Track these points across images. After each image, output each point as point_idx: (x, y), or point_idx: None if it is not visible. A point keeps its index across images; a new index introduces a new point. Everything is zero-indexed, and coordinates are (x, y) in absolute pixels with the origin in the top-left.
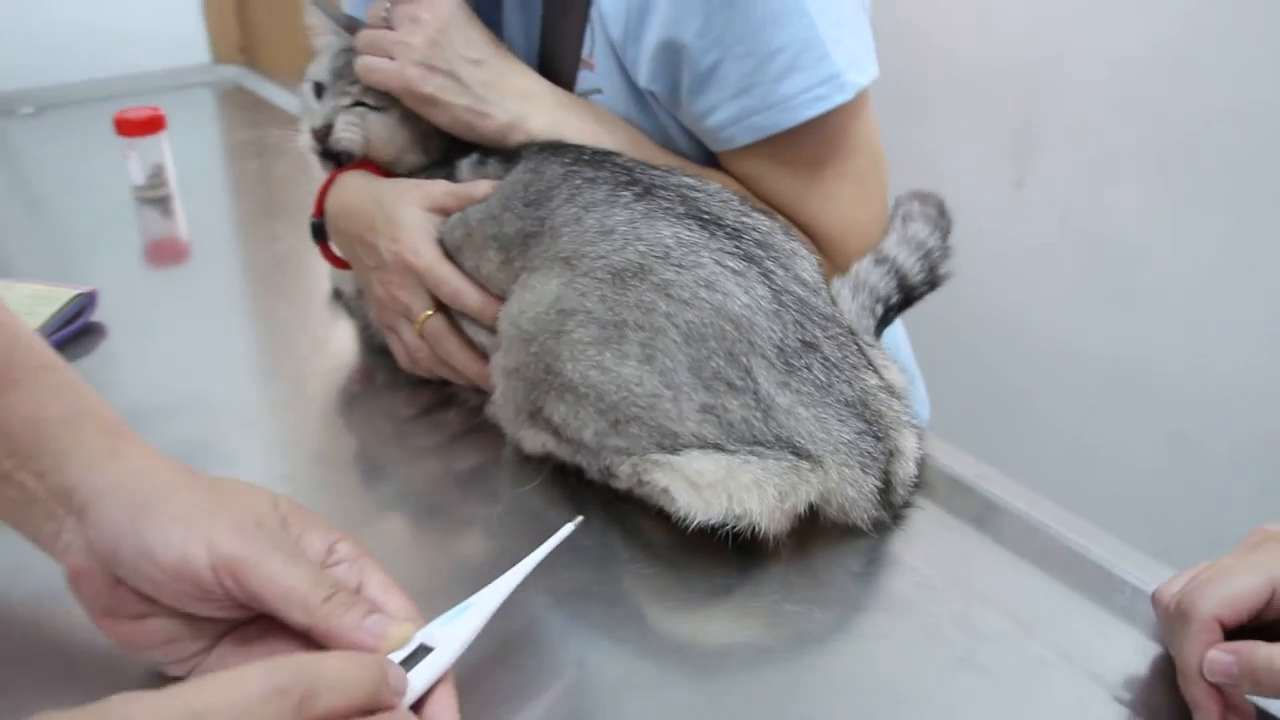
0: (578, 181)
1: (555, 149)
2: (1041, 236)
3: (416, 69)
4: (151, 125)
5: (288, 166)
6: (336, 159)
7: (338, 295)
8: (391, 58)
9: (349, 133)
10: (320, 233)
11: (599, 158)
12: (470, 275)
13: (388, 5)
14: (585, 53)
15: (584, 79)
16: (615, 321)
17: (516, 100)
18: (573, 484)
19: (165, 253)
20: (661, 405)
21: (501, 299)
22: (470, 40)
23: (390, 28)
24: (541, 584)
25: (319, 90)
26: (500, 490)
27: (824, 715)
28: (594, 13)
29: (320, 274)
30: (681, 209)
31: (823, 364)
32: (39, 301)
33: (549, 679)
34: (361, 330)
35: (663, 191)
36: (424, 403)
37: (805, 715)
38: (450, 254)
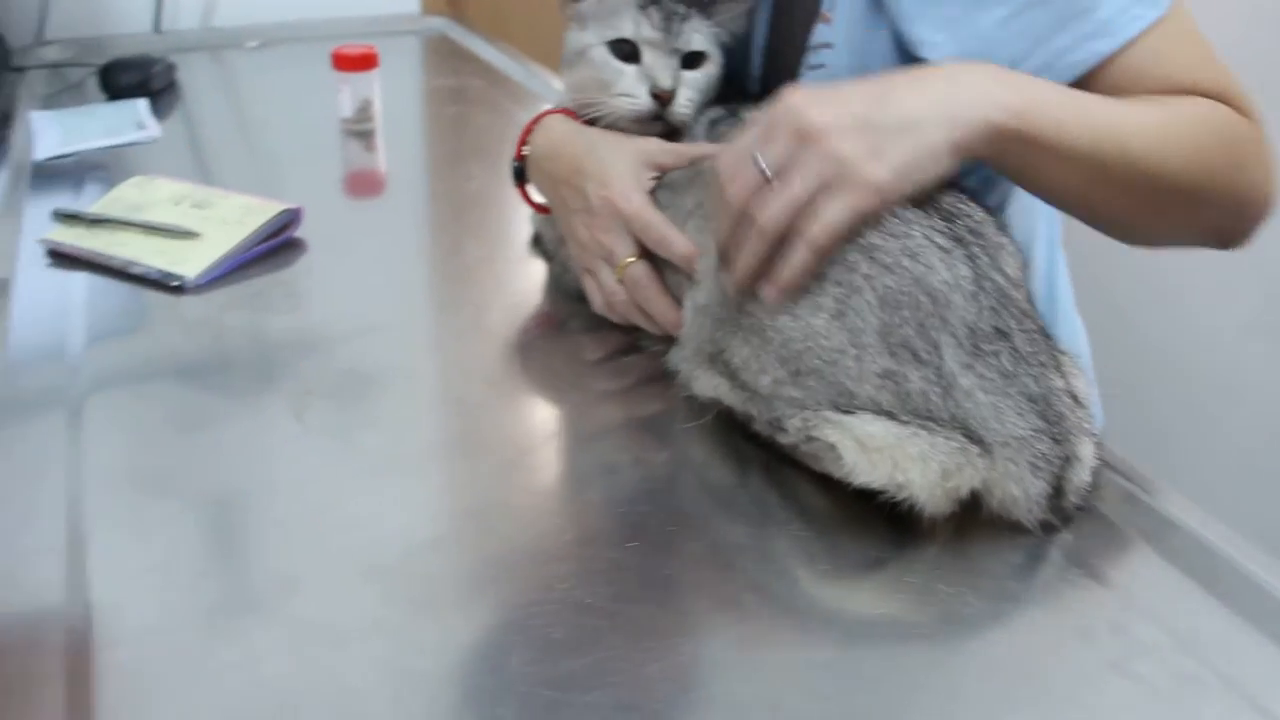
0: None
1: None
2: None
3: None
4: (365, 62)
5: (486, 114)
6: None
7: (537, 241)
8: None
9: (688, 108)
10: (520, 176)
11: None
12: (678, 221)
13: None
14: (825, 6)
15: (819, 32)
16: (816, 273)
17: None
18: (737, 439)
19: (364, 183)
20: (844, 362)
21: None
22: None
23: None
24: (698, 533)
25: (622, 48)
26: (669, 439)
27: (964, 696)
28: None
29: (509, 217)
30: None
31: (1011, 354)
32: (249, 212)
33: (693, 623)
34: (557, 276)
35: None
36: (609, 348)
37: (945, 693)
38: (660, 200)
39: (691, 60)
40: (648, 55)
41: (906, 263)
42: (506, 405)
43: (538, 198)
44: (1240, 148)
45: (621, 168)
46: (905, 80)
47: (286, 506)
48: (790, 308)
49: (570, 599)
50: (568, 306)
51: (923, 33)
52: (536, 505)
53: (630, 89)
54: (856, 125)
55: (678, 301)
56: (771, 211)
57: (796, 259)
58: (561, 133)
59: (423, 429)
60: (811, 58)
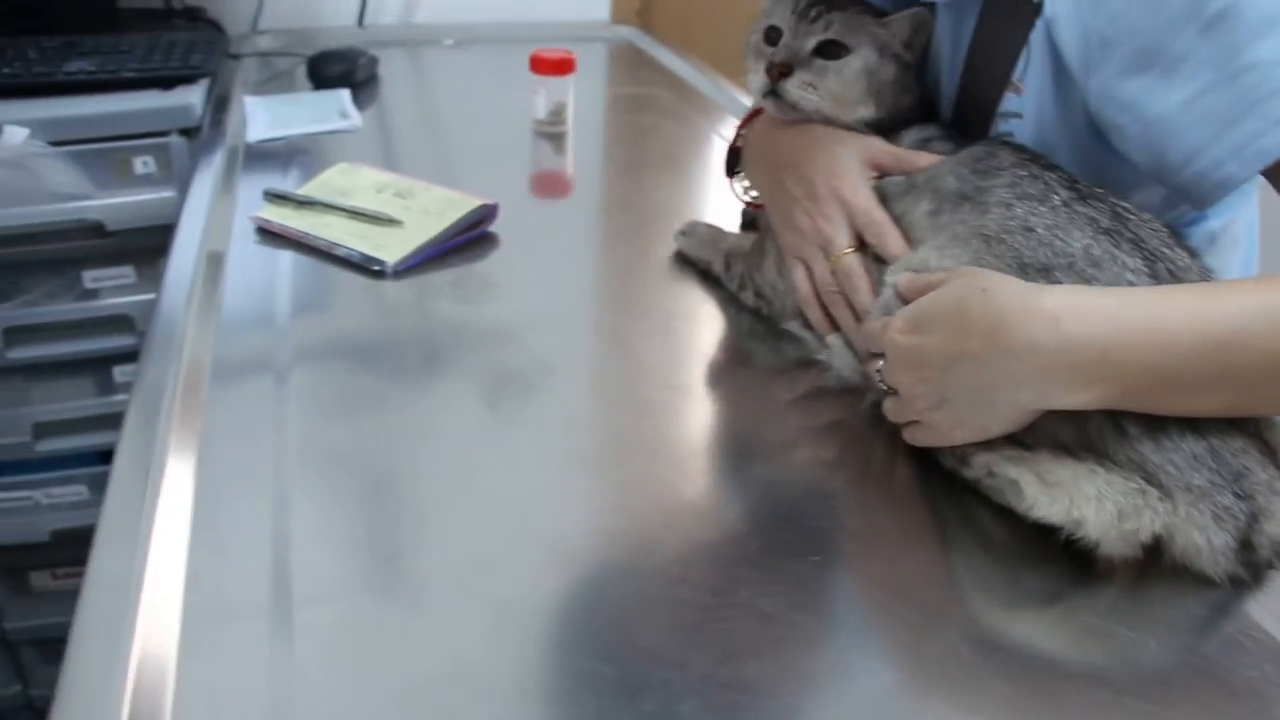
0: (1023, 172)
1: (1012, 144)
2: None
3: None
4: (562, 66)
5: (671, 123)
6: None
7: (684, 261)
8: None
9: (806, 92)
10: (732, 166)
11: (1052, 163)
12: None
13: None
14: (1015, 76)
15: (1008, 101)
16: None
17: None
18: (925, 467)
19: (553, 184)
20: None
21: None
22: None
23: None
24: (879, 553)
25: (771, 34)
26: (853, 456)
27: None
28: (1034, 36)
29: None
30: (1107, 223)
31: None
32: (449, 204)
33: (870, 643)
34: (739, 294)
35: (1095, 204)
36: (791, 359)
37: None
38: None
39: (826, 49)
40: (784, 38)
41: None
42: (690, 410)
43: (741, 192)
44: None
45: (851, 161)
46: (975, 351)
47: (479, 490)
48: None
49: (752, 605)
50: (752, 318)
51: (1108, 115)
52: (720, 510)
53: (753, 65)
54: (935, 394)
55: None
56: (888, 411)
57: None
58: (784, 123)
59: (609, 426)
60: (1000, 124)
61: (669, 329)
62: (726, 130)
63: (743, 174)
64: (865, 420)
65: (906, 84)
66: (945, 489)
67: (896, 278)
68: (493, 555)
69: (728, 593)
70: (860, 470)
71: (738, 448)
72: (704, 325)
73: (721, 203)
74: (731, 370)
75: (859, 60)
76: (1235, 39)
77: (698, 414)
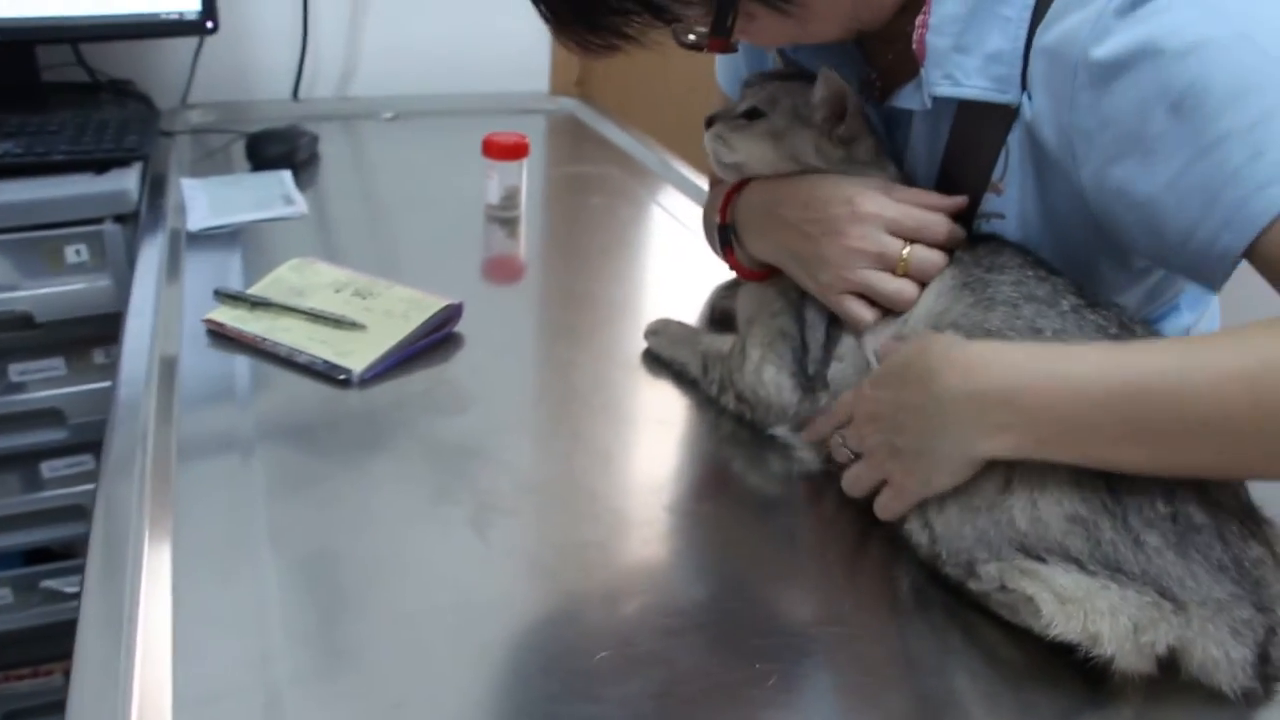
0: (1030, 272)
1: (1013, 243)
2: None
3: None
4: (516, 151)
5: (627, 207)
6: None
7: (654, 357)
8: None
9: (724, 152)
10: (726, 242)
11: (1055, 268)
12: None
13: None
14: (995, 176)
15: (989, 201)
16: None
17: None
18: (915, 580)
19: (506, 269)
20: (1018, 503)
21: None
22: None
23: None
24: (882, 684)
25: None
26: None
27: None
28: (1012, 138)
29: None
30: (1114, 331)
31: (1191, 520)
32: (412, 306)
33: None
34: (720, 399)
35: (1103, 310)
36: (787, 472)
37: None
38: None
39: (752, 113)
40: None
41: None
42: (688, 535)
43: (747, 261)
44: None
45: (861, 186)
46: (916, 403)
47: (480, 633)
48: None
49: None
50: (744, 430)
51: (1103, 205)
52: (730, 644)
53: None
54: (886, 446)
55: None
56: (847, 483)
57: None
58: (780, 181)
59: (607, 555)
60: (982, 225)
61: (652, 439)
62: (668, 202)
63: (740, 247)
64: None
65: (833, 144)
66: (947, 606)
67: (879, 342)
68: (489, 704)
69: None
70: (861, 595)
71: (740, 565)
72: (686, 432)
73: (684, 294)
74: (721, 486)
75: (767, 124)
76: (1204, 113)
77: (698, 536)
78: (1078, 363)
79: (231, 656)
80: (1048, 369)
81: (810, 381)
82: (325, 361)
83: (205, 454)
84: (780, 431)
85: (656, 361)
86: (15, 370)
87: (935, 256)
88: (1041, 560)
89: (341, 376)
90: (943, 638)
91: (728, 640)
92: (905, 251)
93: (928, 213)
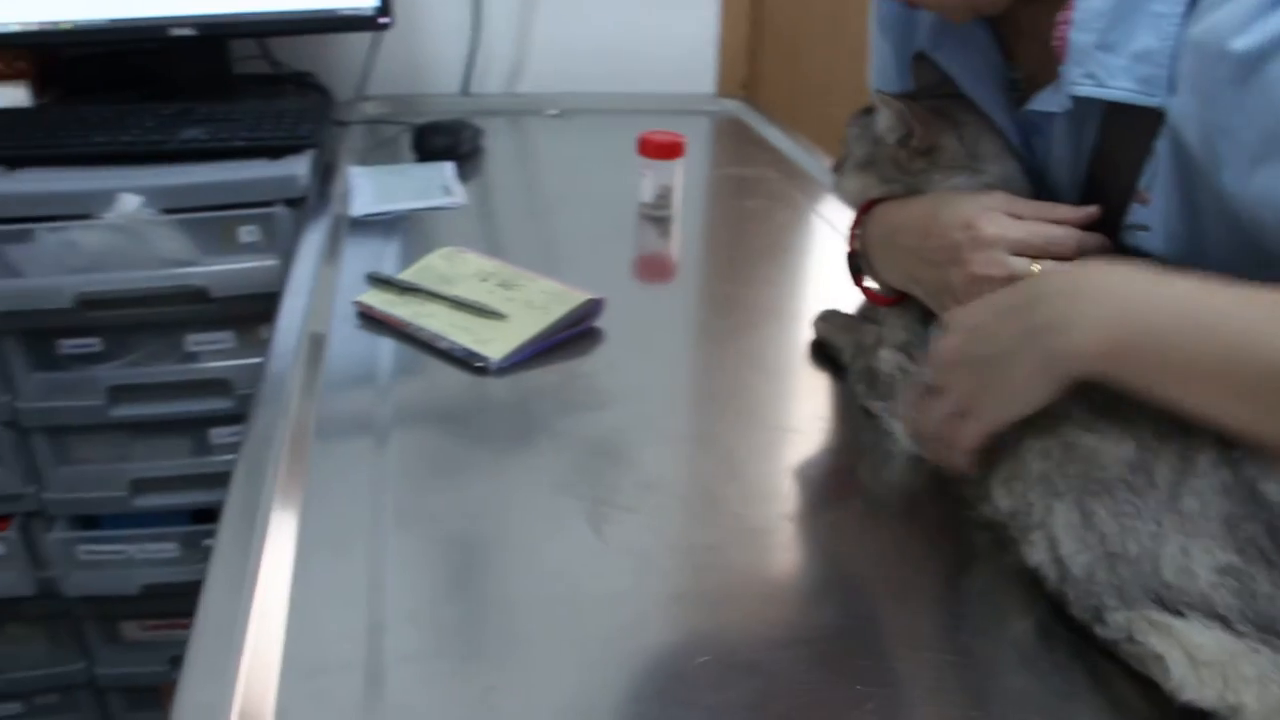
0: None
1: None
2: None
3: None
4: (671, 150)
5: (777, 207)
6: None
7: (820, 348)
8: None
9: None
10: (855, 269)
11: None
12: None
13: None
14: (1141, 185)
15: (1134, 212)
16: (1156, 447)
17: None
18: (1040, 618)
19: (657, 268)
20: (1168, 550)
21: None
22: None
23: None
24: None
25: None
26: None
27: None
28: (1160, 143)
29: (800, 325)
30: None
31: None
32: (554, 298)
33: None
34: (855, 384)
35: None
36: (917, 506)
37: None
38: None
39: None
40: None
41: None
42: (805, 546)
43: (876, 288)
44: None
45: (978, 207)
46: (1010, 304)
47: (583, 626)
48: (1127, 478)
49: None
50: (871, 441)
51: (1247, 210)
52: (835, 662)
53: None
54: (965, 362)
55: None
56: (919, 422)
57: (954, 459)
58: (900, 206)
59: (721, 559)
60: (1127, 237)
61: (781, 446)
62: (827, 211)
63: (869, 274)
64: (989, 562)
65: (912, 157)
66: (1074, 645)
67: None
68: (589, 705)
69: None
70: (980, 623)
71: (849, 590)
72: (819, 443)
73: (834, 303)
74: (845, 498)
75: (855, 159)
76: None
77: (816, 548)
78: (1196, 297)
79: (342, 628)
80: (1165, 291)
81: None
82: (465, 348)
83: (342, 430)
84: (881, 410)
85: (799, 368)
86: (190, 341)
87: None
88: (1178, 614)
89: (479, 364)
90: (1066, 678)
91: (831, 658)
92: (1035, 268)
93: (1054, 227)
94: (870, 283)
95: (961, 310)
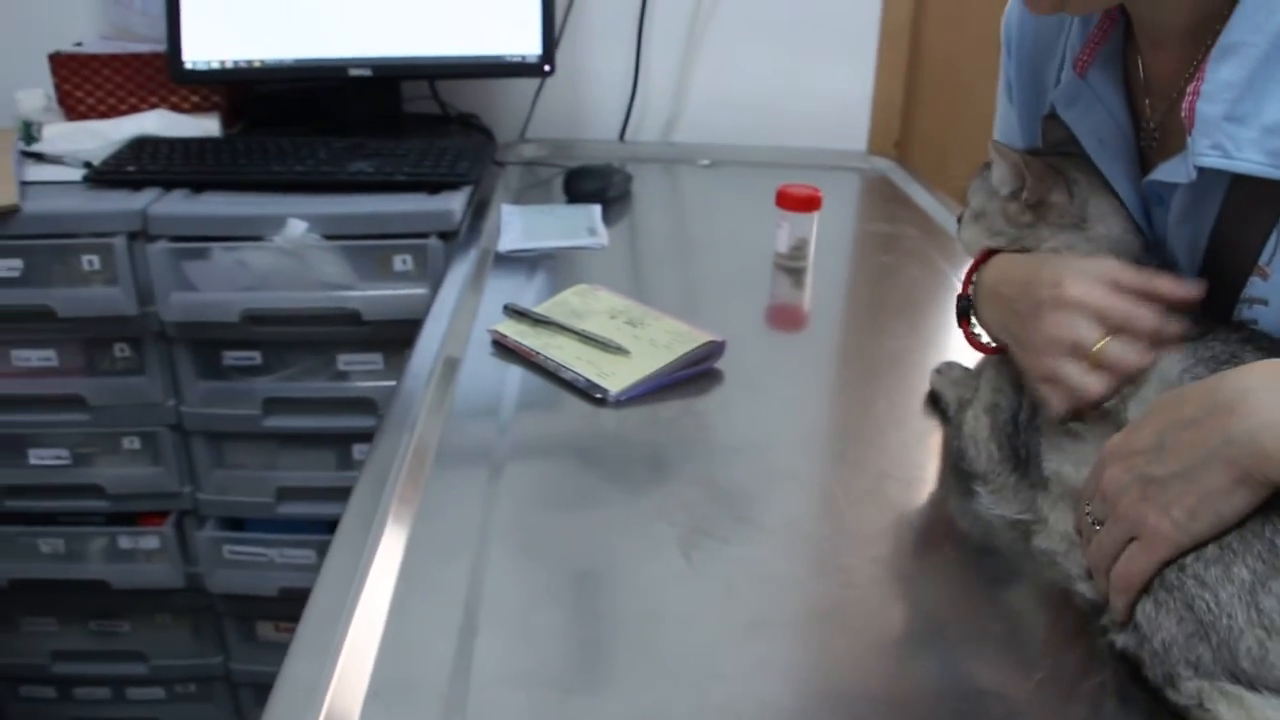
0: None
1: (1259, 340)
2: None
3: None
4: (808, 204)
5: (917, 267)
6: None
7: (935, 401)
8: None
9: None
10: (965, 313)
11: None
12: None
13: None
14: (1264, 260)
15: (1253, 286)
16: (1237, 547)
17: None
18: (1116, 678)
19: (787, 318)
20: (1245, 643)
21: None
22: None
23: None
24: None
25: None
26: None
27: None
28: None
29: (923, 381)
30: None
31: None
32: (677, 338)
33: None
34: (951, 440)
35: None
36: (1004, 561)
37: None
38: None
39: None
40: None
41: None
42: (888, 587)
43: (980, 337)
44: None
45: (1076, 269)
46: (1190, 416)
47: (661, 642)
48: (1200, 574)
49: None
50: (964, 494)
51: None
52: (902, 701)
53: None
54: (1140, 482)
55: None
56: (1091, 557)
57: (1117, 600)
58: (1013, 258)
59: (802, 591)
60: (1244, 310)
61: (881, 492)
62: (960, 268)
63: (978, 317)
64: (1071, 626)
65: (1020, 210)
66: (1148, 706)
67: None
68: (657, 714)
69: None
70: (1052, 675)
71: (929, 641)
72: (917, 491)
73: (957, 357)
74: (938, 544)
75: (970, 209)
76: None
77: (896, 592)
78: None
79: (435, 638)
80: None
81: (1017, 455)
82: (587, 380)
83: (464, 449)
84: (981, 493)
85: (909, 418)
86: (342, 360)
87: (1132, 354)
88: (1254, 689)
89: (599, 395)
90: None
91: (899, 696)
92: (1099, 345)
93: (1138, 305)
94: (978, 329)
95: (1120, 437)
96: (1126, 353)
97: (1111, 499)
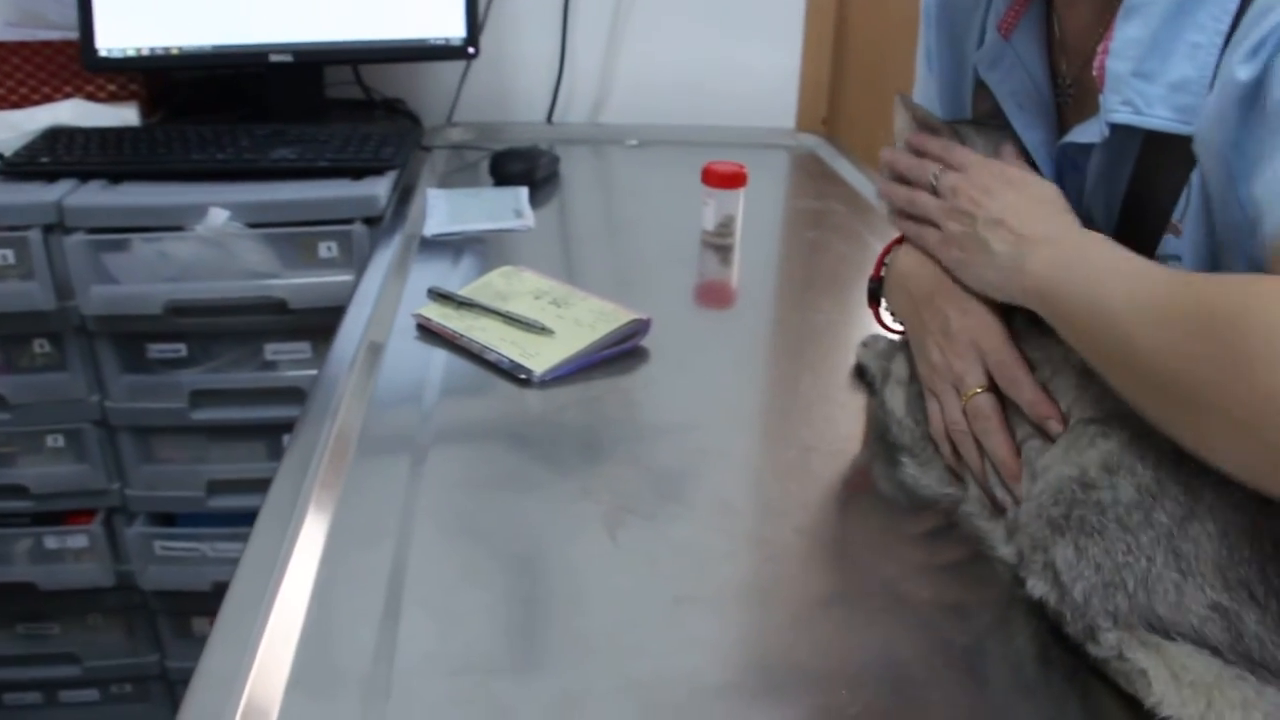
0: None
1: None
2: None
3: (942, 243)
4: (734, 180)
5: (844, 242)
6: None
7: (861, 374)
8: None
9: None
10: (875, 296)
11: None
12: (1034, 368)
13: (936, 172)
14: (1176, 216)
15: (1167, 243)
16: (1155, 491)
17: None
18: (1045, 636)
19: (714, 295)
20: (1162, 588)
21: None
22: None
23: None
24: None
25: None
26: (973, 626)
27: None
28: (1195, 174)
29: (849, 356)
30: None
31: None
32: (601, 317)
33: None
34: (878, 408)
35: None
36: (930, 520)
37: None
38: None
39: None
40: None
41: (1254, 505)
42: (812, 558)
43: (889, 320)
44: (1256, 342)
45: (980, 316)
46: (1011, 222)
47: (585, 620)
48: (1122, 517)
49: None
50: (889, 463)
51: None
52: (825, 671)
53: None
54: (963, 212)
55: (1016, 449)
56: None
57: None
58: (922, 255)
59: (727, 566)
60: None
61: (806, 466)
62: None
63: (886, 302)
64: (993, 596)
65: None
66: (1069, 667)
67: None
68: (585, 694)
69: None
70: (978, 644)
71: (854, 605)
72: (842, 463)
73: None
74: (865, 520)
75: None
76: None
77: (820, 563)
78: (1114, 261)
79: (356, 626)
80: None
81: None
82: (511, 361)
83: (387, 434)
84: (907, 464)
85: (834, 392)
86: (269, 350)
87: (992, 415)
88: (1169, 638)
89: (523, 375)
90: (1060, 702)
91: (825, 667)
92: (974, 391)
93: (1021, 371)
94: (886, 314)
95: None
96: (986, 410)
97: (951, 193)
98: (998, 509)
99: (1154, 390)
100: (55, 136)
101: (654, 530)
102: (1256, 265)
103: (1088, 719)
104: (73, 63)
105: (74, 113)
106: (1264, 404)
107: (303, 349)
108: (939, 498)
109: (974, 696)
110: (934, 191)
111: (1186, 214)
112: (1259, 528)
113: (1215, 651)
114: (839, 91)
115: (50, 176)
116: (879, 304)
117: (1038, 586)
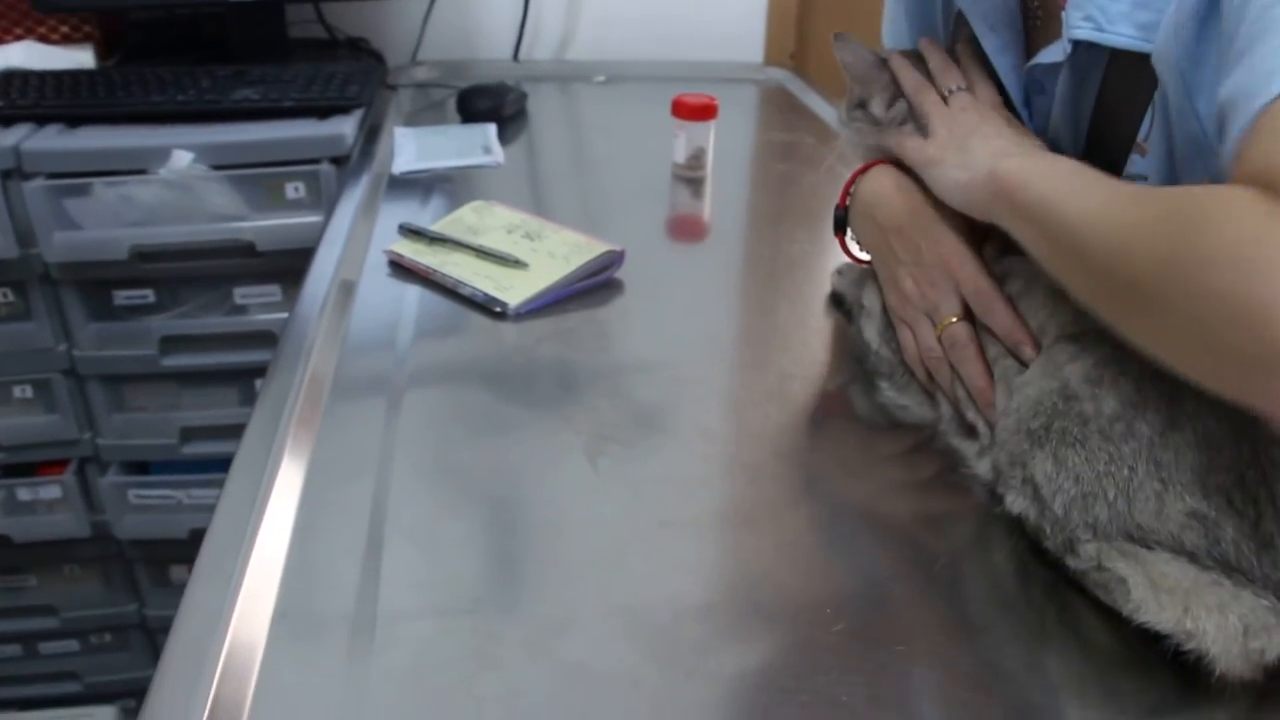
0: None
1: None
2: None
3: (921, 145)
4: (704, 112)
5: (815, 174)
6: None
7: (837, 302)
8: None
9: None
10: (841, 225)
11: None
12: (1011, 297)
13: (954, 87)
14: (1141, 136)
15: (1133, 163)
16: (1137, 402)
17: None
18: (1024, 553)
19: (687, 228)
20: (1142, 497)
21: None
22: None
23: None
24: (969, 647)
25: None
26: (952, 542)
27: None
28: (1159, 94)
29: (824, 284)
30: None
31: None
32: (575, 249)
33: None
34: (855, 337)
35: None
36: (906, 438)
37: None
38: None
39: None
40: None
41: (1235, 411)
42: (793, 480)
43: (855, 249)
44: (1212, 242)
45: (956, 231)
46: (975, 134)
47: (569, 548)
48: (1105, 428)
49: (827, 694)
50: (867, 386)
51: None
52: (809, 590)
53: None
54: (958, 124)
55: (991, 375)
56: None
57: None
58: (894, 181)
59: (708, 491)
60: None
61: (784, 391)
62: None
63: (852, 231)
64: (971, 512)
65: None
66: (1048, 583)
67: None
68: (571, 619)
69: (804, 679)
70: (958, 560)
71: (835, 524)
72: (820, 388)
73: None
74: (843, 440)
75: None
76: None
77: (800, 486)
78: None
79: (339, 561)
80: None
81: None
82: (485, 294)
83: (363, 372)
84: (884, 387)
85: (809, 319)
86: (238, 293)
87: (968, 343)
88: (1147, 547)
89: (498, 309)
90: (1039, 615)
91: (807, 588)
92: (949, 320)
93: (997, 298)
94: (852, 243)
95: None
96: (963, 338)
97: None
98: (971, 431)
99: (1114, 293)
100: (8, 80)
101: (635, 458)
102: (1215, 180)
103: (1066, 631)
104: (21, 3)
105: (26, 55)
106: (1219, 304)
107: (272, 292)
108: (917, 419)
109: (955, 611)
110: (944, 100)
111: (1151, 133)
112: (1238, 435)
113: (1192, 558)
114: (807, 25)
115: (5, 121)
116: (845, 233)
117: (1016, 502)
